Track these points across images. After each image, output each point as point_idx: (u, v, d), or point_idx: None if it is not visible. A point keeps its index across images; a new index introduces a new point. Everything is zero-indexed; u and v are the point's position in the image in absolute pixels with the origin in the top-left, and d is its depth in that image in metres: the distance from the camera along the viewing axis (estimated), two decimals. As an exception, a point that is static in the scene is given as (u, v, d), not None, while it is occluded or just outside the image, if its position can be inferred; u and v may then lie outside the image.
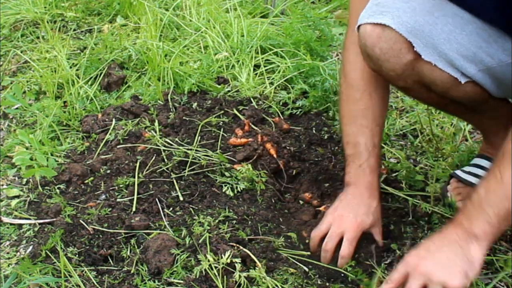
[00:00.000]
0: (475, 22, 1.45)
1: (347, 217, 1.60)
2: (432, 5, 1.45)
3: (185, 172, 1.91)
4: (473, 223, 1.31)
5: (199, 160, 1.94)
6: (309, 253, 1.64)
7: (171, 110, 2.27)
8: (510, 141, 1.31)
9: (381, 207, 1.67)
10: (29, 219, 1.84)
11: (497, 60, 1.45)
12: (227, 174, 1.91)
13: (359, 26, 1.48)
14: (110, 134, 2.16)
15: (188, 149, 1.98)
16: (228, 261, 1.52)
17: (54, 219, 1.80)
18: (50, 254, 1.64)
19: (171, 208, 1.79)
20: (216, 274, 1.50)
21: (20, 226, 1.82)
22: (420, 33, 1.42)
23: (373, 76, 1.61)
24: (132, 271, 1.58)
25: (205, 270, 1.52)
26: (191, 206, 1.79)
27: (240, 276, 1.50)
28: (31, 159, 1.87)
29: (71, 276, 1.55)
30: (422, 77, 1.50)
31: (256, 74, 2.49)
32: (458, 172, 1.81)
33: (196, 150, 1.98)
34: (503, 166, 1.29)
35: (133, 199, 1.82)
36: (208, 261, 1.52)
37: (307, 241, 1.68)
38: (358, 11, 1.52)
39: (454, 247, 1.32)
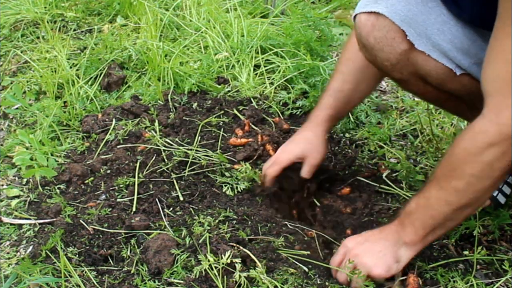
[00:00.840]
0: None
1: (281, 149, 1.85)
2: None
3: (185, 172, 1.91)
4: (404, 230, 1.45)
5: (199, 160, 1.94)
6: (308, 252, 1.64)
7: (171, 110, 2.27)
8: (441, 165, 1.41)
9: (326, 144, 1.86)
10: (29, 219, 1.84)
11: None
12: (227, 174, 1.91)
13: (355, 17, 1.51)
14: (110, 134, 2.16)
15: (188, 149, 1.98)
16: (228, 261, 1.52)
17: (54, 219, 1.80)
18: (50, 254, 1.64)
19: (171, 208, 1.79)
20: (216, 274, 1.50)
21: (20, 226, 1.82)
22: (413, 22, 1.43)
23: (367, 65, 1.66)
24: (132, 271, 1.58)
25: (205, 270, 1.51)
26: (191, 206, 1.79)
27: (240, 276, 1.50)
28: (31, 159, 1.87)
29: (71, 276, 1.54)
30: (417, 69, 1.50)
31: (256, 74, 2.49)
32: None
33: (196, 150, 1.98)
34: (432, 188, 1.41)
35: (133, 199, 1.82)
36: (208, 261, 1.52)
37: (306, 238, 1.68)
38: None
39: (388, 244, 1.46)
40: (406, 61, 1.49)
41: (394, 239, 1.46)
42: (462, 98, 1.59)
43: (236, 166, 1.93)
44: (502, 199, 1.76)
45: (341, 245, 1.54)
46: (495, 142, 1.29)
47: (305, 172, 1.81)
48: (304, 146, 1.82)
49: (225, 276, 1.50)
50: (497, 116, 1.29)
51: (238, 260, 1.52)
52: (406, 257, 1.46)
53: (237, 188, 1.86)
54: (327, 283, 1.54)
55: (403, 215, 1.47)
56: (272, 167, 1.81)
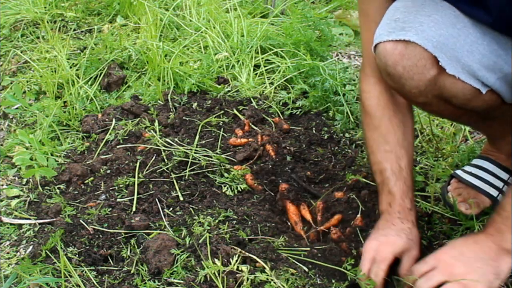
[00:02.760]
0: (491, 31, 1.43)
1: (379, 241, 1.54)
2: (453, 16, 1.41)
3: (185, 172, 1.91)
4: (504, 237, 1.35)
5: (199, 160, 1.94)
6: (308, 248, 1.64)
7: (171, 110, 2.27)
8: None
9: (417, 231, 1.58)
10: (29, 219, 1.84)
11: None
12: (227, 174, 1.91)
13: (376, 45, 1.42)
14: (110, 134, 2.16)
15: (188, 149, 1.98)
16: (235, 267, 1.52)
17: (54, 219, 1.80)
18: (50, 254, 1.64)
19: (171, 208, 1.79)
20: (217, 274, 1.50)
21: (20, 226, 1.82)
22: (444, 47, 1.38)
23: (390, 100, 1.58)
24: (132, 271, 1.58)
25: (206, 273, 1.52)
26: (191, 206, 1.79)
27: (247, 279, 1.50)
28: (31, 159, 1.87)
29: (71, 276, 1.54)
30: (443, 91, 1.45)
31: (256, 74, 2.49)
32: (459, 172, 1.81)
33: (195, 151, 1.98)
34: None
35: (133, 199, 1.82)
36: (216, 266, 1.52)
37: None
38: (370, 30, 1.46)
39: (487, 258, 1.35)
40: (434, 86, 1.44)
41: (492, 250, 1.36)
42: (478, 112, 1.56)
43: (236, 168, 1.93)
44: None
45: (433, 257, 1.41)
46: None
47: (405, 269, 1.53)
48: (406, 239, 1.54)
49: (225, 276, 1.50)
50: None
51: (245, 267, 1.52)
52: (507, 268, 1.35)
53: (237, 188, 1.86)
54: (327, 283, 1.54)
55: (498, 221, 1.37)
56: (377, 267, 1.50)
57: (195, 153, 1.97)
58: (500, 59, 1.42)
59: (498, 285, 1.35)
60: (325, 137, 2.14)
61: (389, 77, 1.45)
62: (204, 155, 1.97)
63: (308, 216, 1.77)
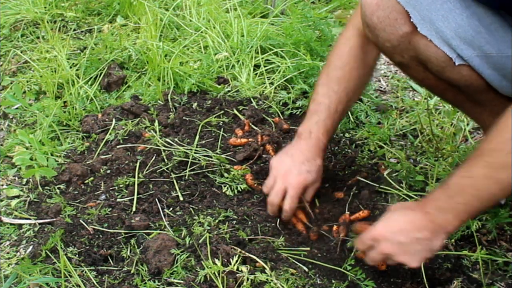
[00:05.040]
0: (477, 7, 1.44)
1: (291, 173, 1.71)
2: None
3: (185, 172, 1.91)
4: (444, 217, 1.36)
5: (199, 160, 1.94)
6: (308, 248, 1.64)
7: (171, 110, 2.27)
8: (486, 140, 1.32)
9: (323, 166, 1.77)
10: (29, 219, 1.84)
11: (497, 49, 1.44)
12: (227, 174, 1.91)
13: None
14: (110, 134, 2.16)
15: (188, 149, 1.98)
16: (235, 267, 1.52)
17: (54, 219, 1.80)
18: (50, 254, 1.64)
19: (171, 208, 1.79)
20: (217, 274, 1.50)
21: (20, 226, 1.82)
22: (418, 5, 1.43)
23: (360, 55, 1.68)
24: (132, 271, 1.58)
25: (206, 272, 1.52)
26: (191, 206, 1.79)
27: (241, 277, 1.51)
28: (31, 159, 1.87)
29: (71, 276, 1.55)
30: (418, 53, 1.50)
31: (256, 74, 2.49)
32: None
33: (195, 151, 1.98)
34: (478, 166, 1.31)
35: (133, 199, 1.82)
36: (216, 266, 1.52)
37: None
38: None
39: (423, 239, 1.38)
40: (408, 44, 1.49)
41: (429, 230, 1.38)
42: (461, 89, 1.58)
43: (236, 168, 1.93)
44: (501, 199, 1.76)
45: (371, 235, 1.46)
46: None
47: (309, 197, 1.77)
48: (308, 176, 1.72)
49: (225, 276, 1.50)
50: None
51: (244, 268, 1.52)
52: (440, 245, 1.39)
53: (237, 188, 1.86)
54: (327, 283, 1.54)
55: (438, 201, 1.37)
56: (288, 200, 1.71)
57: (195, 153, 1.97)
58: (480, 36, 1.43)
59: (430, 256, 1.43)
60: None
61: (367, 28, 1.53)
62: (204, 155, 1.97)
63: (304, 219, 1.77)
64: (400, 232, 1.41)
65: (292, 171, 1.72)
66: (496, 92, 1.58)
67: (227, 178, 1.90)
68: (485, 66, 1.47)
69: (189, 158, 1.94)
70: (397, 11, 1.45)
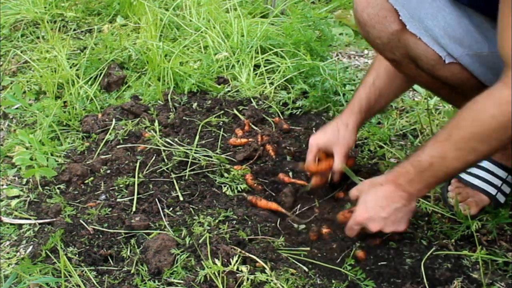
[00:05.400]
0: (467, 9, 1.45)
1: (319, 135, 1.85)
2: None
3: (185, 172, 1.91)
4: (415, 187, 1.51)
5: (199, 160, 1.94)
6: (308, 248, 1.65)
7: (171, 110, 2.27)
8: (459, 126, 1.42)
9: (355, 135, 1.83)
10: (29, 219, 1.84)
11: (488, 48, 1.45)
12: (227, 174, 1.91)
13: None
14: (110, 134, 2.16)
15: (188, 149, 1.98)
16: (235, 267, 1.52)
17: (54, 219, 1.80)
18: (50, 254, 1.64)
19: (171, 208, 1.79)
20: (217, 274, 1.50)
21: (20, 226, 1.82)
22: (407, 3, 1.45)
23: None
24: (132, 271, 1.58)
25: (206, 273, 1.52)
26: (191, 206, 1.79)
27: (241, 277, 1.51)
28: (31, 159, 1.87)
29: (71, 276, 1.55)
30: (408, 51, 1.52)
31: (256, 74, 2.49)
32: (458, 172, 1.81)
33: (195, 151, 1.98)
34: (449, 148, 1.43)
35: (133, 199, 1.82)
36: (216, 266, 1.52)
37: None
38: None
39: (402, 207, 1.54)
40: (398, 42, 1.52)
41: (404, 199, 1.52)
42: (454, 87, 1.59)
43: (236, 168, 1.93)
44: (501, 198, 1.76)
45: (354, 214, 1.59)
46: None
47: (336, 165, 1.81)
48: (332, 135, 1.82)
49: (225, 276, 1.50)
50: None
51: (244, 267, 1.52)
52: (414, 207, 1.56)
53: (237, 188, 1.86)
54: (327, 283, 1.54)
55: (407, 174, 1.50)
56: (308, 160, 1.86)
57: (195, 153, 1.97)
58: (470, 35, 1.45)
59: (412, 215, 1.59)
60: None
61: (359, 25, 1.56)
62: (204, 155, 1.97)
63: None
64: (380, 209, 1.54)
65: (320, 133, 1.86)
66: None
67: (227, 178, 1.90)
68: (477, 64, 1.48)
69: (189, 158, 1.94)
70: (386, 9, 1.47)
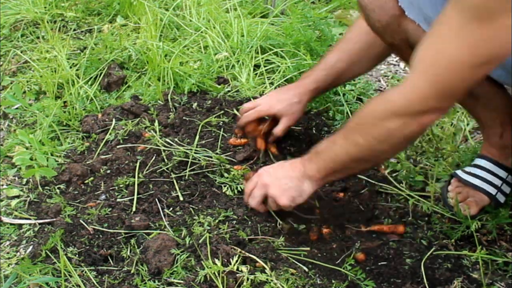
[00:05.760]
0: None
1: (273, 101, 1.98)
2: None
3: (185, 172, 1.91)
4: (310, 167, 1.58)
5: (199, 160, 1.94)
6: (308, 248, 1.65)
7: (171, 110, 2.27)
8: (353, 117, 1.53)
9: (304, 110, 1.99)
10: (29, 219, 1.84)
11: None
12: (227, 174, 1.91)
13: None
14: (110, 134, 2.16)
15: (188, 149, 1.98)
16: (235, 267, 1.52)
17: (54, 219, 1.80)
18: (50, 254, 1.64)
19: (171, 208, 1.79)
20: (217, 274, 1.50)
21: (20, 226, 1.82)
22: None
23: (370, 38, 1.79)
24: (132, 271, 1.58)
25: (206, 272, 1.52)
26: (191, 206, 1.79)
27: (241, 277, 1.50)
28: (31, 159, 1.87)
29: (71, 276, 1.55)
30: (408, 36, 1.54)
31: (256, 74, 2.49)
32: (459, 172, 1.81)
33: (195, 151, 1.98)
34: (339, 136, 1.53)
35: (133, 199, 1.82)
36: (216, 266, 1.52)
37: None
38: None
39: (294, 178, 1.61)
40: (397, 27, 1.54)
41: (300, 173, 1.60)
42: None
43: (236, 168, 1.93)
44: (501, 198, 1.76)
45: (256, 173, 1.71)
46: (399, 114, 1.37)
47: (279, 130, 1.96)
48: (287, 106, 1.95)
49: (225, 276, 1.50)
50: (410, 91, 1.36)
51: (244, 267, 1.52)
52: (308, 190, 1.61)
53: (237, 188, 1.86)
54: (327, 283, 1.54)
55: (313, 152, 1.60)
56: (250, 113, 2.00)
57: (195, 153, 1.97)
58: None
59: (301, 201, 1.63)
60: (325, 137, 2.13)
61: (360, 9, 1.61)
62: (204, 155, 1.97)
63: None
64: (279, 169, 1.66)
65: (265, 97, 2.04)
66: (491, 86, 1.58)
67: (227, 178, 1.90)
68: None
69: (189, 158, 1.94)
70: None
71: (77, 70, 2.54)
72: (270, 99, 2.01)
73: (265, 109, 1.98)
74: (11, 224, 1.83)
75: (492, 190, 1.75)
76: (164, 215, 1.76)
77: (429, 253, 1.62)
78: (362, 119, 1.48)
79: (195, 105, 2.29)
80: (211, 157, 1.96)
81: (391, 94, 1.45)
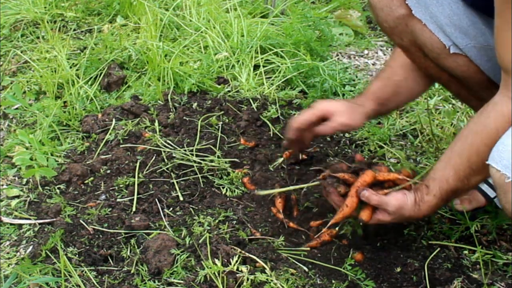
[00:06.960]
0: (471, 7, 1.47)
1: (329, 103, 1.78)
2: None
3: (185, 172, 1.91)
4: (439, 206, 1.49)
5: (199, 163, 1.94)
6: (308, 248, 1.64)
7: (171, 110, 2.27)
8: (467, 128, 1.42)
9: (363, 120, 1.74)
10: (29, 219, 1.84)
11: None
12: (225, 176, 1.91)
13: None
14: (110, 134, 2.16)
15: (189, 152, 1.98)
16: (235, 268, 1.52)
17: (54, 219, 1.80)
18: (50, 254, 1.64)
19: (171, 208, 1.79)
20: (217, 274, 1.50)
21: (20, 226, 1.82)
22: None
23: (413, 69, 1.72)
24: (132, 271, 1.58)
25: (206, 273, 1.52)
26: (191, 206, 1.79)
27: (241, 277, 1.51)
28: (31, 159, 1.87)
29: (71, 276, 1.55)
30: (415, 37, 1.54)
31: (256, 74, 2.49)
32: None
33: (196, 154, 1.98)
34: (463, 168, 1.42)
35: (133, 199, 1.82)
36: (216, 266, 1.52)
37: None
38: None
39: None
40: (405, 27, 1.55)
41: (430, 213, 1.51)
42: (462, 82, 1.59)
43: (237, 170, 1.93)
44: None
45: (391, 210, 1.51)
46: None
47: (327, 128, 1.73)
48: (342, 106, 1.73)
49: (225, 276, 1.50)
50: None
51: (244, 268, 1.52)
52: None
53: (237, 188, 1.86)
54: (327, 283, 1.54)
55: (439, 192, 1.46)
56: (301, 115, 1.76)
57: (196, 156, 1.97)
58: (476, 27, 1.46)
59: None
60: (325, 137, 2.13)
61: (370, 9, 1.62)
62: (204, 156, 1.97)
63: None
64: (410, 212, 1.50)
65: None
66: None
67: (225, 180, 1.90)
68: (484, 58, 1.48)
69: (190, 162, 1.94)
70: None
71: (77, 70, 2.54)
72: (323, 101, 1.84)
73: (318, 112, 1.73)
74: (11, 224, 1.83)
75: (491, 193, 1.74)
76: (164, 215, 1.76)
77: (431, 256, 1.61)
78: (489, 140, 1.32)
79: (195, 105, 2.29)
80: (212, 161, 1.96)
81: (500, 105, 1.33)
